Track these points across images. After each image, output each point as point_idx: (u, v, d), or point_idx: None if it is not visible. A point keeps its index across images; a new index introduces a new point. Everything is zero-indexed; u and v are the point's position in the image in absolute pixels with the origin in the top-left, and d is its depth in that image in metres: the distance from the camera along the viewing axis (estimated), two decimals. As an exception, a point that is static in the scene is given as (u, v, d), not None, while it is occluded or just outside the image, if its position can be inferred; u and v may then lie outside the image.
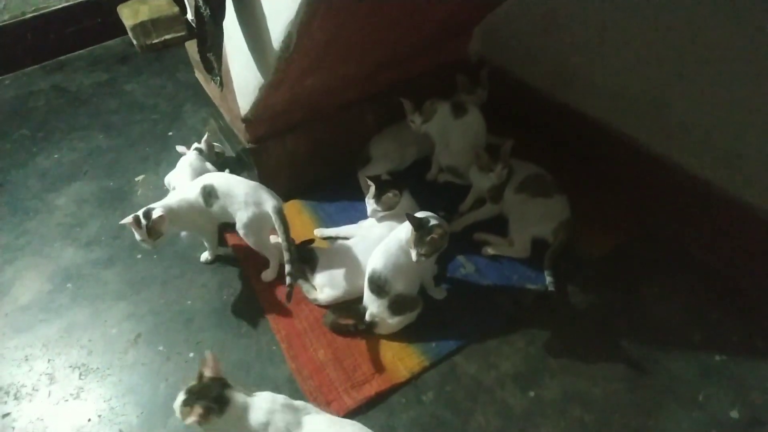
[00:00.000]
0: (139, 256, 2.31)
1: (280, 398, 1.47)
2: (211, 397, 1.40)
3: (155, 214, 1.89)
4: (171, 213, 1.94)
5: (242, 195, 1.97)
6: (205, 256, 2.24)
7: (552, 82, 2.46)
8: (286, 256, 1.91)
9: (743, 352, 1.75)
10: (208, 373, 1.44)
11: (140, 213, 1.90)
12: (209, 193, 2.00)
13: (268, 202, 1.96)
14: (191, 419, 1.36)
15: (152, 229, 1.90)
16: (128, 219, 1.90)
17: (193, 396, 1.40)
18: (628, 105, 2.16)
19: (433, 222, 1.75)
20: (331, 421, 1.47)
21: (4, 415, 1.85)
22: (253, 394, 1.47)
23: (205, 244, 2.22)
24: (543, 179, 2.12)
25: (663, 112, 2.04)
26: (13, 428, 1.80)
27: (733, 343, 1.77)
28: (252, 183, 2.03)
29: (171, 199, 2.01)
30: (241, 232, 2.02)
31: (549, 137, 2.45)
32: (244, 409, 1.42)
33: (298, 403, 1.48)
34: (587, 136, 2.36)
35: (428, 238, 1.71)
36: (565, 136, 2.44)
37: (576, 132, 2.40)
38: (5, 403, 1.88)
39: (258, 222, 1.98)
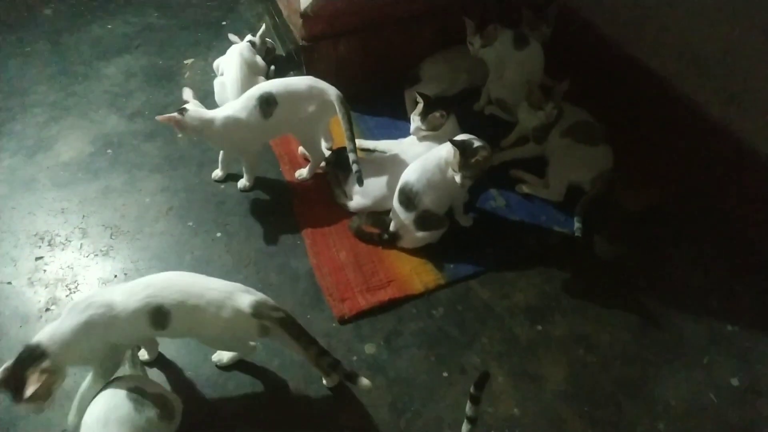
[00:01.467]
0: (180, 135, 2.33)
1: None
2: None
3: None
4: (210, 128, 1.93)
5: (305, 88, 1.93)
6: (242, 182, 2.13)
7: (620, 31, 2.36)
8: (348, 145, 1.90)
9: (757, 326, 1.74)
10: None
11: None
12: (267, 101, 1.89)
13: (330, 91, 1.94)
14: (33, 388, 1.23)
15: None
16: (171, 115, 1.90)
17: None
18: (694, 65, 2.07)
19: (477, 144, 1.74)
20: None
21: (37, 257, 1.95)
22: None
23: (244, 169, 2.11)
24: (591, 127, 2.07)
25: (730, 77, 1.95)
26: (45, 271, 1.91)
27: (749, 316, 1.77)
28: (308, 77, 2.01)
29: (217, 115, 1.93)
30: (301, 127, 1.98)
31: (606, 86, 2.37)
32: None
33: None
34: (646, 91, 2.27)
35: (473, 160, 1.71)
36: (623, 89, 2.36)
37: (635, 86, 2.32)
38: (39, 247, 1.98)
39: (321, 113, 1.95)
